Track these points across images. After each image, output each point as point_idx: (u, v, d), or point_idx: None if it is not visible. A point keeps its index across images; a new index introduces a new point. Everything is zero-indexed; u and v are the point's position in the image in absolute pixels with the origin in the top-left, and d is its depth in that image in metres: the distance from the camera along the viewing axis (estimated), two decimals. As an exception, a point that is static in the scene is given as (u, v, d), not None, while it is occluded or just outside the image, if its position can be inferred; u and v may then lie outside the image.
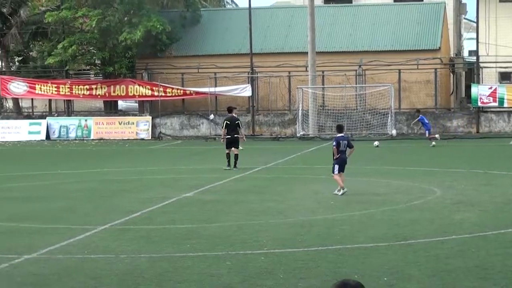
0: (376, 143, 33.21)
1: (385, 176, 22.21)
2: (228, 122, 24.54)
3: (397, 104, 39.77)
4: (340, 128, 18.99)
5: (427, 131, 33.40)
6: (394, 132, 37.38)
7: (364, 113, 39.46)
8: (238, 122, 24.89)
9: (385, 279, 10.10)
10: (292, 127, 40.49)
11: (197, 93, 41.27)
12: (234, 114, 24.82)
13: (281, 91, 41.44)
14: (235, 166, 24.09)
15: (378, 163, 26.32)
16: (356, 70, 40.70)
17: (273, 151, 31.59)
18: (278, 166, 25.77)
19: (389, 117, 38.29)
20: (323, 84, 41.11)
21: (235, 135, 24.46)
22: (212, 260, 11.39)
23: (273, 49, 42.10)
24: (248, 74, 41.33)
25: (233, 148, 24.28)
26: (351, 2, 47.93)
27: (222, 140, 25.60)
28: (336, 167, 18.17)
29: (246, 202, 17.29)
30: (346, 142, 18.41)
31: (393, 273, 10.44)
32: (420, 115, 34.11)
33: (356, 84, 40.59)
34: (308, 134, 39.09)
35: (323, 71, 40.91)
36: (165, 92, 41.30)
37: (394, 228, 13.86)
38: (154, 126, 41.33)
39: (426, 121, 33.75)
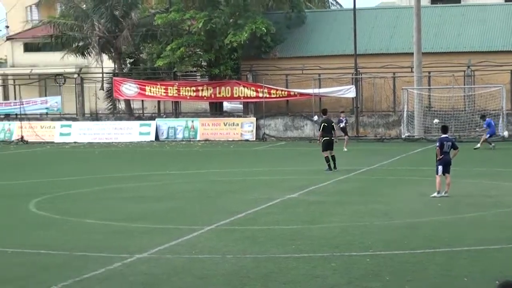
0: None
1: (495, 178, 21.59)
2: (326, 124, 24.73)
3: (509, 105, 38.61)
4: (444, 129, 18.70)
5: (488, 135, 32.39)
6: (506, 133, 36.35)
7: (473, 115, 38.46)
8: (333, 124, 25.39)
9: (497, 282, 9.81)
10: (397, 128, 39.91)
11: (301, 94, 41.28)
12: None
13: (386, 92, 40.93)
14: (335, 167, 24.09)
15: (488, 164, 25.62)
16: (464, 71, 39.71)
17: (378, 153, 31.24)
18: (383, 167, 25.48)
19: (501, 119, 37.23)
20: (429, 85, 40.33)
21: (332, 137, 24.53)
22: (317, 262, 11.38)
23: (377, 50, 41.64)
24: (352, 75, 41.04)
25: (329, 150, 24.32)
26: (459, 2, 46.81)
27: (318, 142, 25.69)
28: (440, 168, 17.86)
29: (350, 204, 17.19)
30: (450, 143, 18.06)
31: (505, 276, 10.12)
32: (487, 119, 33.29)
33: (464, 85, 39.62)
34: (414, 136, 38.45)
35: (429, 72, 40.12)
36: (269, 93, 41.54)
37: (507, 230, 13.45)
38: (258, 127, 41.64)
39: (493, 124, 32.92)
